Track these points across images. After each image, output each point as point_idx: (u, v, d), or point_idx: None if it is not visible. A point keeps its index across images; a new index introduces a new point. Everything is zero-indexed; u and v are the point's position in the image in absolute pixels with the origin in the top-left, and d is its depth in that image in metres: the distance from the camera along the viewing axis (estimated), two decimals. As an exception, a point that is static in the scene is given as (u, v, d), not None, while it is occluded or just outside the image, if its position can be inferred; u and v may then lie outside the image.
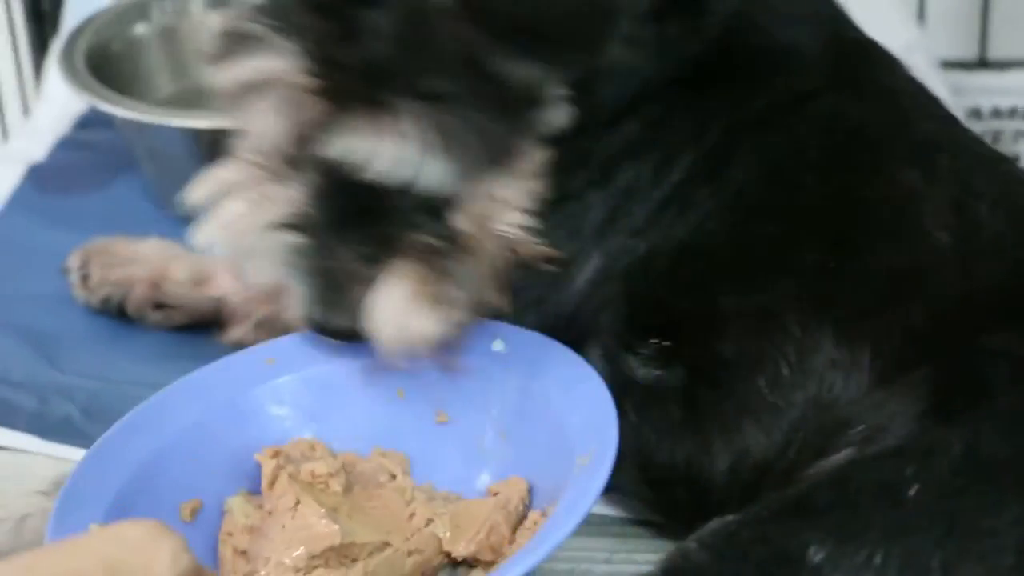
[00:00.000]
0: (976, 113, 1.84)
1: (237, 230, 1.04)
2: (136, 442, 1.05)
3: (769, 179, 1.07)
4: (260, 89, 0.98)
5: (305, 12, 0.96)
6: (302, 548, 0.97)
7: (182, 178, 1.66)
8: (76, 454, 1.27)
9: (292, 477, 1.02)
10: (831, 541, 0.86)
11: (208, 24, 0.90)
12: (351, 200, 1.00)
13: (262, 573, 0.98)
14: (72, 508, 0.97)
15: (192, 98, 1.82)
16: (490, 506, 1.01)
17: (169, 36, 1.84)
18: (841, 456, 0.97)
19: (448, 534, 1.00)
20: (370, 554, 0.98)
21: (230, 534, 1.03)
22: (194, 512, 1.04)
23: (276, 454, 1.05)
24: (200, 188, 1.09)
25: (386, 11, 0.93)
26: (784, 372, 1.03)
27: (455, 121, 0.95)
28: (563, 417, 1.01)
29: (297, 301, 1.03)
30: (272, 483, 1.03)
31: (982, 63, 1.95)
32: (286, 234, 1.01)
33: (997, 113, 1.86)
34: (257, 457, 1.05)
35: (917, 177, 1.07)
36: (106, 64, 1.72)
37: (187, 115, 1.66)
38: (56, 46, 1.75)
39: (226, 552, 1.02)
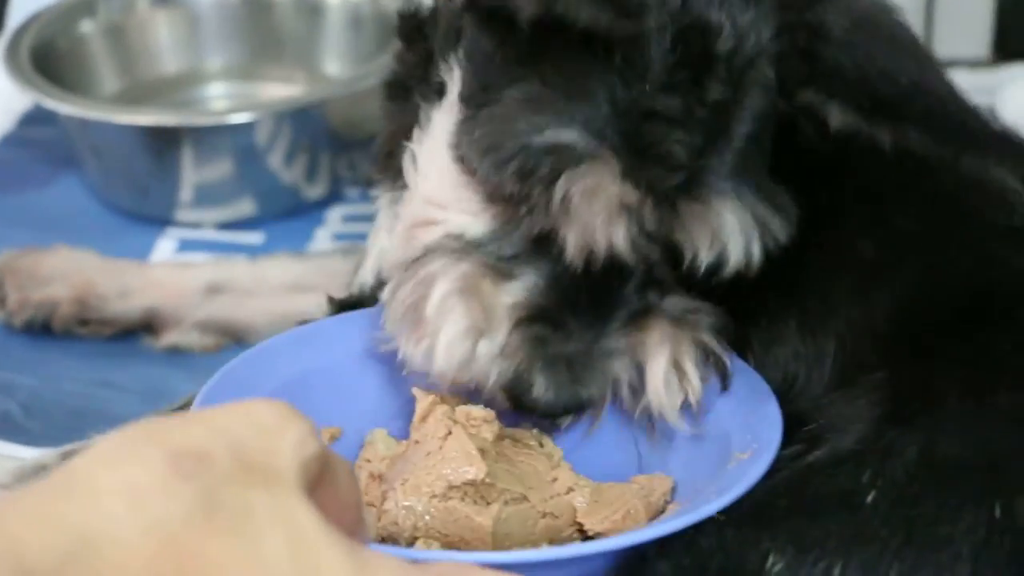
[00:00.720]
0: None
1: (467, 345, 1.01)
2: (285, 359, 1.08)
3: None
4: (589, 198, 0.96)
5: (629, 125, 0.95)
6: (443, 475, 0.98)
7: (126, 175, 1.67)
8: (17, 451, 1.28)
9: (447, 415, 1.02)
10: (790, 550, 0.87)
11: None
12: (584, 283, 1.00)
13: (397, 491, 0.99)
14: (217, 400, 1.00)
15: (137, 95, 1.82)
16: (633, 491, 1.02)
17: (115, 33, 1.83)
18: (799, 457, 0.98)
19: (585, 507, 1.00)
20: (506, 502, 0.98)
21: (368, 460, 1.04)
22: (333, 438, 1.06)
23: (428, 395, 1.05)
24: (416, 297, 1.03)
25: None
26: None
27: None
28: (724, 419, 1.03)
29: (536, 388, 1.00)
30: (424, 417, 1.03)
31: (926, 62, 1.96)
32: (526, 329, 1.00)
33: (941, 112, 1.87)
34: (414, 390, 1.05)
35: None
36: (51, 61, 1.71)
37: (132, 112, 1.66)
38: (1, 43, 1.73)
39: (362, 475, 1.03)
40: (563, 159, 0.95)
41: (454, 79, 1.05)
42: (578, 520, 1.00)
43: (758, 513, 0.90)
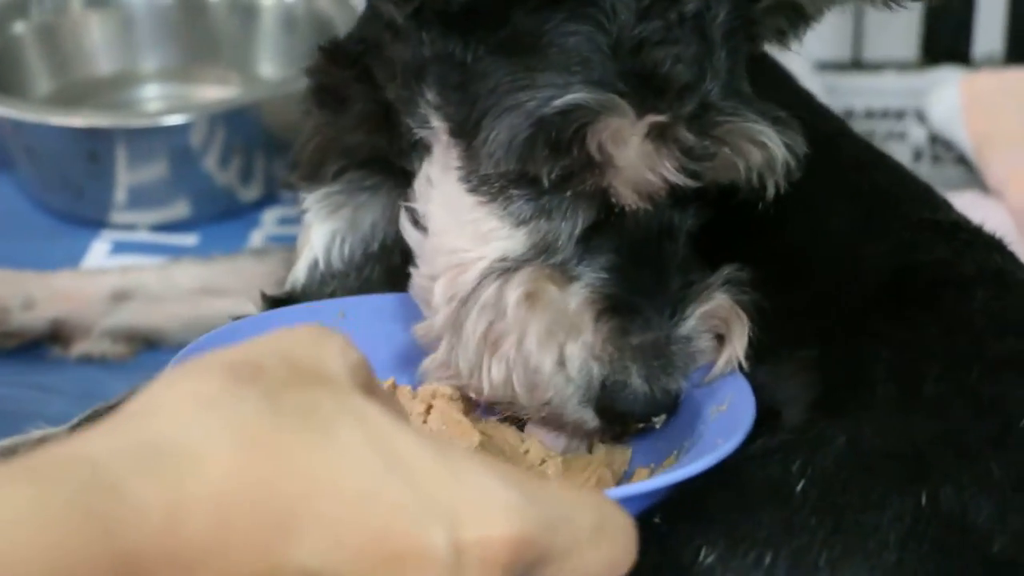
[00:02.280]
0: (849, 114, 1.87)
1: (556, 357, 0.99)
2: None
3: None
4: (622, 143, 0.96)
5: None
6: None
7: (60, 177, 1.66)
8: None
9: (410, 393, 1.02)
10: (722, 543, 0.87)
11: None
12: (642, 266, 1.00)
13: None
14: None
15: (71, 96, 1.81)
16: (599, 459, 1.02)
17: (48, 34, 1.82)
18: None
19: (560, 477, 1.00)
20: None
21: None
22: None
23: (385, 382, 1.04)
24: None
25: None
26: None
27: None
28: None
29: (632, 384, 0.98)
30: None
31: (856, 64, 1.99)
32: (607, 321, 0.98)
33: (870, 114, 1.89)
34: None
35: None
36: (-17, 62, 1.70)
37: (65, 113, 1.65)
38: (-68, 44, 1.72)
39: None
40: (580, 115, 0.95)
41: (436, 127, 1.04)
42: None
43: (691, 506, 0.91)
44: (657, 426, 1.01)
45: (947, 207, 1.16)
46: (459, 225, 1.03)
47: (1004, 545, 0.88)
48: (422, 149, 1.06)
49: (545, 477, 0.99)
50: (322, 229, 1.20)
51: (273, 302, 1.22)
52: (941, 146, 1.85)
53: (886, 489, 0.89)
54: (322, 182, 1.19)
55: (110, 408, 1.19)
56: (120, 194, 1.64)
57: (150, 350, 1.44)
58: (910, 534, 0.87)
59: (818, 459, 0.91)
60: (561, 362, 0.98)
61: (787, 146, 0.99)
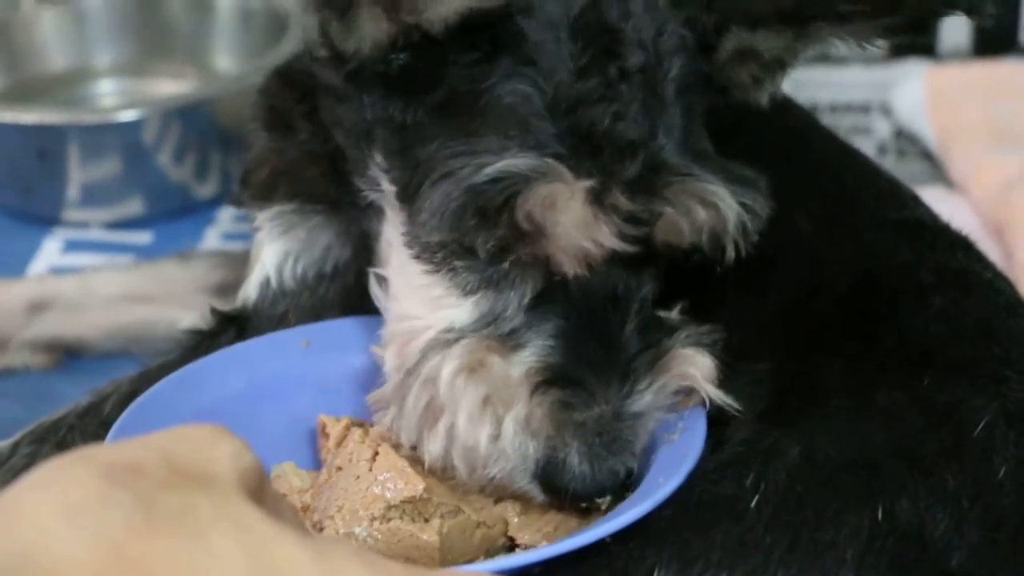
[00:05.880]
0: (814, 108, 1.85)
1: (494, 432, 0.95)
2: (181, 400, 1.04)
3: None
4: (553, 208, 0.93)
5: None
6: (379, 496, 0.95)
7: (11, 174, 1.63)
8: None
9: (363, 436, 1.00)
10: (675, 564, 0.86)
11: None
12: (590, 334, 0.96)
13: (335, 519, 0.96)
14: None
15: (24, 93, 1.79)
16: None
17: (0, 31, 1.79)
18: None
19: (517, 520, 0.98)
20: (442, 516, 0.96)
21: (284, 495, 1.00)
22: None
23: (339, 420, 1.03)
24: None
25: None
26: None
27: None
28: None
29: (571, 462, 0.94)
30: (340, 442, 1.01)
31: (822, 58, 1.97)
32: (546, 393, 0.94)
33: (835, 108, 1.88)
34: (321, 417, 1.04)
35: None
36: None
37: (16, 110, 1.63)
38: None
39: None
40: (510, 183, 0.91)
41: (386, 191, 1.01)
42: (510, 534, 0.98)
43: (644, 525, 0.89)
44: (603, 507, 0.95)
45: (914, 202, 1.15)
46: (411, 290, 1.01)
47: (962, 560, 0.87)
48: (379, 210, 1.04)
49: (433, 573, 0.95)
50: (273, 247, 1.18)
51: (224, 318, 1.20)
52: (906, 140, 1.84)
53: (842, 504, 0.88)
54: (274, 202, 1.17)
55: (54, 423, 1.16)
56: (72, 192, 1.61)
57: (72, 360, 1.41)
58: (867, 550, 0.86)
59: (771, 473, 0.89)
60: (497, 436, 0.94)
61: (744, 206, 0.95)
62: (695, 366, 0.97)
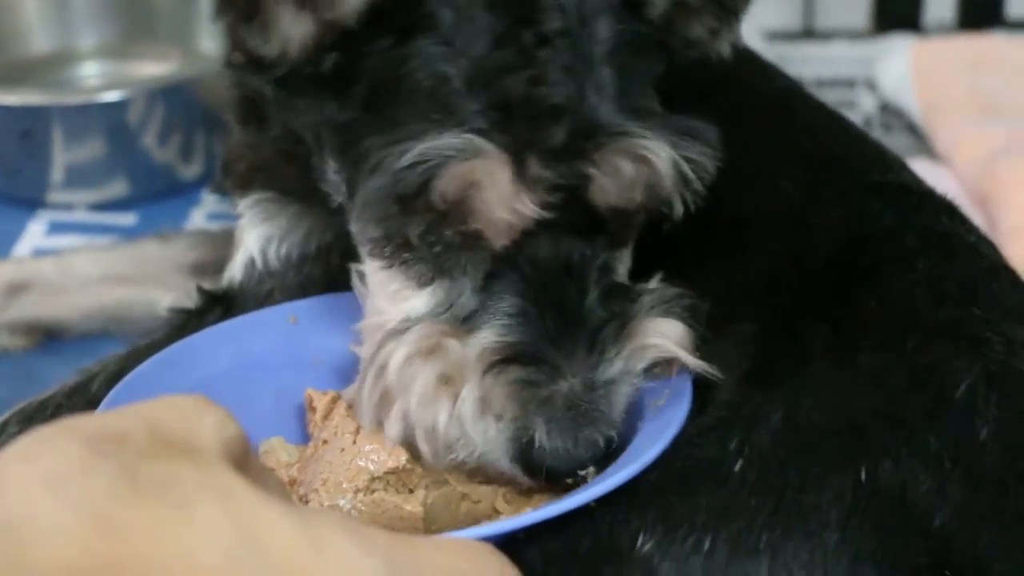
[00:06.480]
0: (800, 83, 1.85)
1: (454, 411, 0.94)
2: (170, 377, 1.04)
3: None
4: (470, 184, 0.91)
5: None
6: (363, 469, 0.96)
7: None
8: None
9: (349, 409, 1.00)
10: (660, 528, 0.85)
11: None
12: (551, 310, 0.94)
13: (320, 492, 0.96)
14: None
15: (8, 75, 1.78)
16: None
17: (-20, 13, 1.79)
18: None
19: (508, 507, 0.97)
20: (427, 487, 0.96)
21: (272, 469, 1.00)
22: None
23: (326, 393, 1.04)
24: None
25: None
26: None
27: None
28: None
29: (538, 437, 0.93)
30: (327, 415, 1.01)
31: (807, 33, 1.97)
32: (503, 372, 0.93)
33: (820, 83, 1.88)
34: (308, 391, 1.04)
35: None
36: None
37: (0, 91, 1.63)
38: None
39: None
40: (429, 166, 0.90)
41: (344, 192, 1.00)
42: (499, 511, 0.98)
43: (628, 490, 0.89)
44: (588, 479, 0.94)
45: (899, 167, 1.15)
46: (375, 286, 1.01)
47: (944, 520, 0.87)
48: (348, 212, 1.03)
49: (416, 539, 0.94)
50: (256, 232, 1.18)
51: (210, 297, 1.20)
52: (891, 114, 1.84)
53: (825, 466, 0.88)
54: (254, 191, 1.17)
55: (42, 402, 1.17)
56: (56, 173, 1.61)
57: (51, 342, 1.41)
58: (851, 512, 0.86)
59: (755, 437, 0.89)
60: (457, 417, 0.93)
61: (685, 157, 0.93)
62: (665, 333, 0.96)
